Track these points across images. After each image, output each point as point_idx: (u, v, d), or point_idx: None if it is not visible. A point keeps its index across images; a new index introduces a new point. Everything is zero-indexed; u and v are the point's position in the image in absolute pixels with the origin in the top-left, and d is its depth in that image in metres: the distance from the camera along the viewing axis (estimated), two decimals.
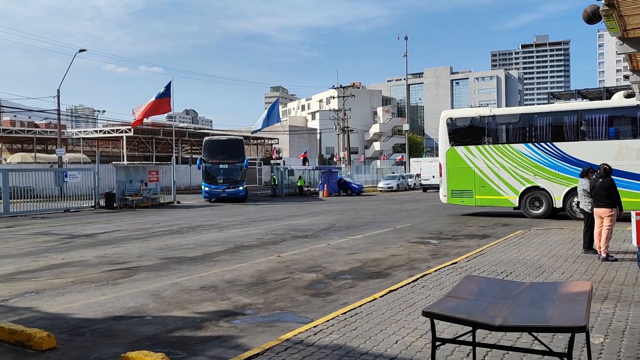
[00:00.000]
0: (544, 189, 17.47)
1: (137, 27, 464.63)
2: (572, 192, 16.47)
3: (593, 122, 16.74)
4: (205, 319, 6.40)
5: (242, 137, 35.86)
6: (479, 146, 18.45)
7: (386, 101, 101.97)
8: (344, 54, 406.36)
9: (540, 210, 17.71)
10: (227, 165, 31.26)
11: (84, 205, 26.19)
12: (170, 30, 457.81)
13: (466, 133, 18.89)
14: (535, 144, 17.53)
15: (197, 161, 31.62)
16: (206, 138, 33.39)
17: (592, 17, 6.72)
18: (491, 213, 20.29)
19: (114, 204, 26.51)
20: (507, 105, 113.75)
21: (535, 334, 3.87)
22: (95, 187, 26.79)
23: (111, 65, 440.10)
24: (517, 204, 18.04)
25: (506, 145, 18.08)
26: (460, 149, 18.72)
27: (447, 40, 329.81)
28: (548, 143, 17.32)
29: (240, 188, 31.39)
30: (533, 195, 17.81)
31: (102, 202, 26.69)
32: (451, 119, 19.05)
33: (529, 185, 17.77)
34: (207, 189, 31.17)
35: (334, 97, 73.95)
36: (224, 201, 31.24)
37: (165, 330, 5.98)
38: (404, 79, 65.00)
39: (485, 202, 18.60)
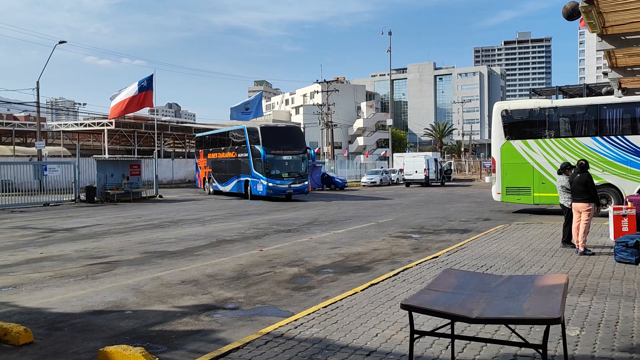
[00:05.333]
0: (613, 186, 16.14)
1: (118, 20, 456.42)
2: None
3: None
4: (185, 313, 6.38)
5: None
6: (539, 140, 17.19)
7: (370, 96, 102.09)
8: (327, 49, 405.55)
9: (608, 209, 16.83)
10: (291, 157, 26.67)
11: (64, 199, 25.85)
12: (152, 23, 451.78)
13: (524, 126, 17.65)
14: (605, 137, 16.28)
15: (262, 151, 25.66)
16: (260, 125, 27.93)
17: (572, 14, 6.78)
18: (472, 208, 20.46)
19: (95, 198, 26.19)
20: (489, 101, 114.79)
21: (512, 326, 3.92)
22: (75, 180, 26.43)
23: (92, 58, 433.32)
24: None
25: (570, 139, 16.82)
26: (517, 143, 17.48)
27: (430, 36, 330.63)
28: (619, 136, 16.11)
29: (306, 183, 27.40)
30: (601, 192, 15.86)
31: (82, 196, 26.36)
32: (506, 111, 17.76)
33: (596, 182, 16.34)
34: (270, 184, 25.69)
35: (317, 92, 73.75)
36: (270, 199, 26.79)
37: (145, 325, 5.94)
38: (388, 74, 65.12)
39: (545, 200, 17.29)
